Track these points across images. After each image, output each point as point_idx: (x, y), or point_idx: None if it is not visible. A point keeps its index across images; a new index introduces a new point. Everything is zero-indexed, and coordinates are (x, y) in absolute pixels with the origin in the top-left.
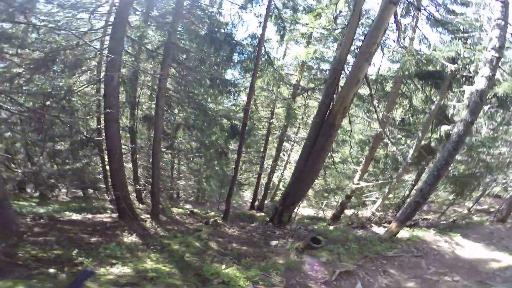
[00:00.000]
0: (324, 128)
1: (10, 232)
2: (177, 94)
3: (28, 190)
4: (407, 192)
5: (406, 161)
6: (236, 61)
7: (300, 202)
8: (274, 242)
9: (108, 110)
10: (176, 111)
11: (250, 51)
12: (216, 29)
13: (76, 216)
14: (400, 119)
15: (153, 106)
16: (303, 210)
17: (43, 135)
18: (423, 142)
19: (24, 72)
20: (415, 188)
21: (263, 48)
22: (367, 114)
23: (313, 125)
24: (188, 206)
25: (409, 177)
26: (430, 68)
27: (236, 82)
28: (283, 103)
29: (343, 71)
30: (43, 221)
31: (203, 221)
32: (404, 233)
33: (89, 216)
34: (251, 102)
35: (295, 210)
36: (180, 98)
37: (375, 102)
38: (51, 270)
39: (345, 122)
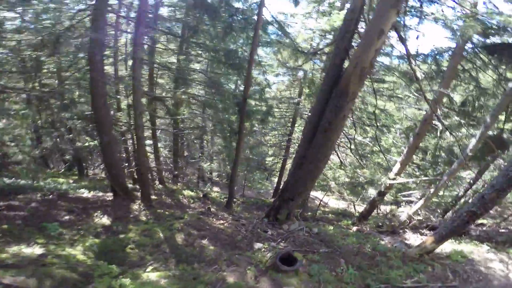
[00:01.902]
0: (333, 99)
1: None
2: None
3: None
4: (461, 193)
5: (465, 154)
6: (236, 30)
7: (301, 198)
8: (258, 245)
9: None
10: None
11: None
12: None
13: (87, 194)
14: (461, 102)
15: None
16: (334, 202)
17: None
18: (491, 132)
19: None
20: (472, 188)
21: (268, 14)
22: (415, 94)
23: (319, 95)
24: (216, 188)
25: (467, 175)
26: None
27: (239, 53)
28: (304, 80)
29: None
30: (51, 197)
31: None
32: (446, 246)
33: (100, 194)
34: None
35: (322, 203)
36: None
37: (418, 74)
38: None
39: (390, 106)
